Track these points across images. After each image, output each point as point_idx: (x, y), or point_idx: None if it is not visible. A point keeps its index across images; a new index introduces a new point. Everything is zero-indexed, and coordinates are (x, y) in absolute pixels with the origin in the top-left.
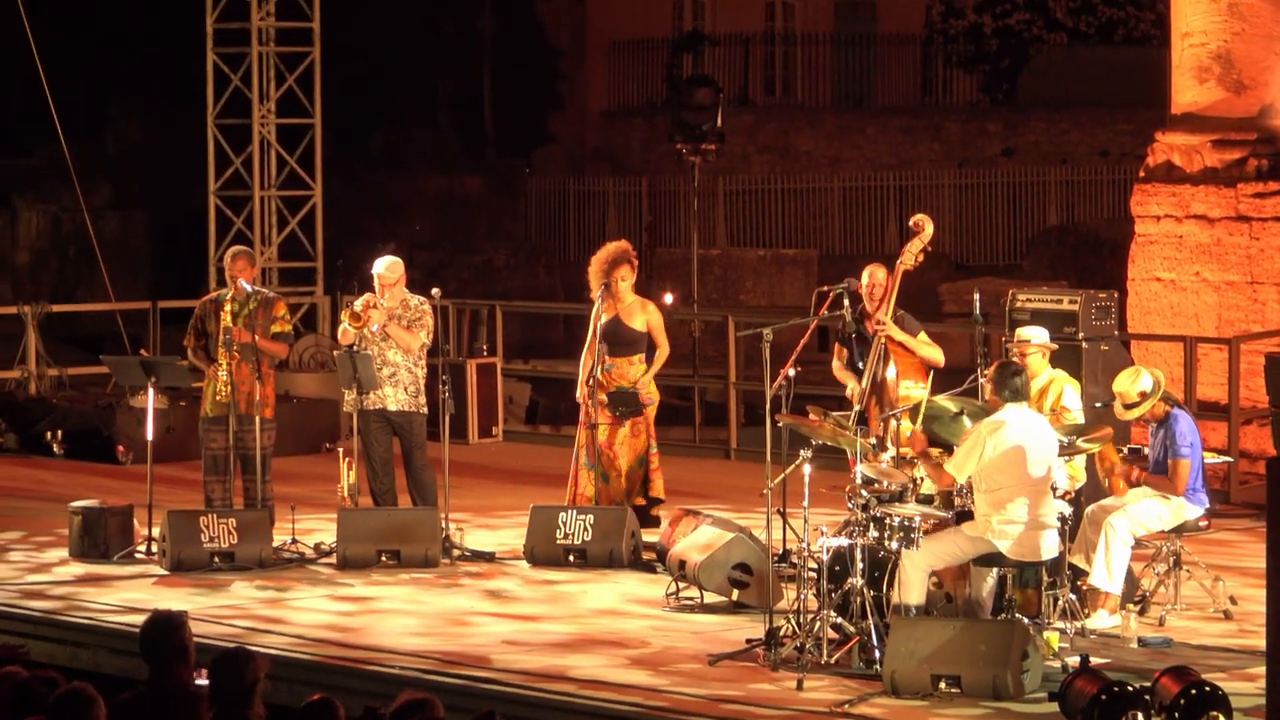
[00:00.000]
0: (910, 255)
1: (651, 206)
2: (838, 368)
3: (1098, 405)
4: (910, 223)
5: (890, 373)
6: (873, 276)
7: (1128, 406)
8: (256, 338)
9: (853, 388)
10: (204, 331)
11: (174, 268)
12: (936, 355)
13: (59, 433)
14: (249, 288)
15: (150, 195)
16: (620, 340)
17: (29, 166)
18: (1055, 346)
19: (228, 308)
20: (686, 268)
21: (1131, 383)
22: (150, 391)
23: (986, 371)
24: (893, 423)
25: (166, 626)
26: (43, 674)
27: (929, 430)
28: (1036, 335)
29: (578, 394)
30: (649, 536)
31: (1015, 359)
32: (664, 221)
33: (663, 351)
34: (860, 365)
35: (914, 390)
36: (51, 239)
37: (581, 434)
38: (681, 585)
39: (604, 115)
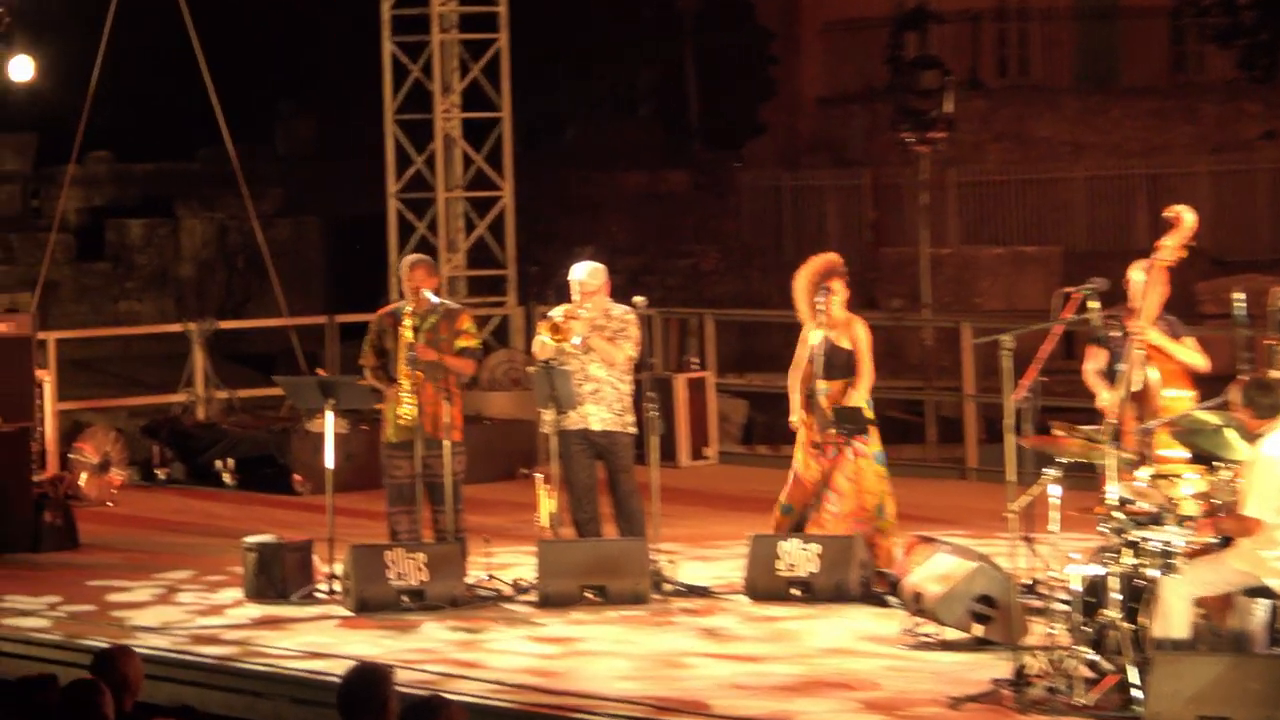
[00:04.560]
0: (1169, 251)
1: (875, 202)
2: (1090, 372)
3: None
4: (1167, 215)
5: (1152, 377)
6: (1132, 277)
7: None
8: (442, 355)
9: (1106, 397)
10: (382, 349)
11: (352, 278)
12: (1199, 361)
13: (230, 461)
14: (434, 299)
15: (324, 199)
16: (836, 363)
17: (192, 171)
18: None
19: (408, 322)
20: (915, 269)
21: None
22: (329, 415)
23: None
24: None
25: (372, 680)
26: None
27: (1189, 444)
28: None
29: (792, 418)
30: (881, 566)
31: None
32: (889, 218)
33: (865, 377)
34: (1119, 369)
35: (1179, 399)
36: (218, 249)
37: (804, 463)
38: (918, 620)
39: (820, 102)
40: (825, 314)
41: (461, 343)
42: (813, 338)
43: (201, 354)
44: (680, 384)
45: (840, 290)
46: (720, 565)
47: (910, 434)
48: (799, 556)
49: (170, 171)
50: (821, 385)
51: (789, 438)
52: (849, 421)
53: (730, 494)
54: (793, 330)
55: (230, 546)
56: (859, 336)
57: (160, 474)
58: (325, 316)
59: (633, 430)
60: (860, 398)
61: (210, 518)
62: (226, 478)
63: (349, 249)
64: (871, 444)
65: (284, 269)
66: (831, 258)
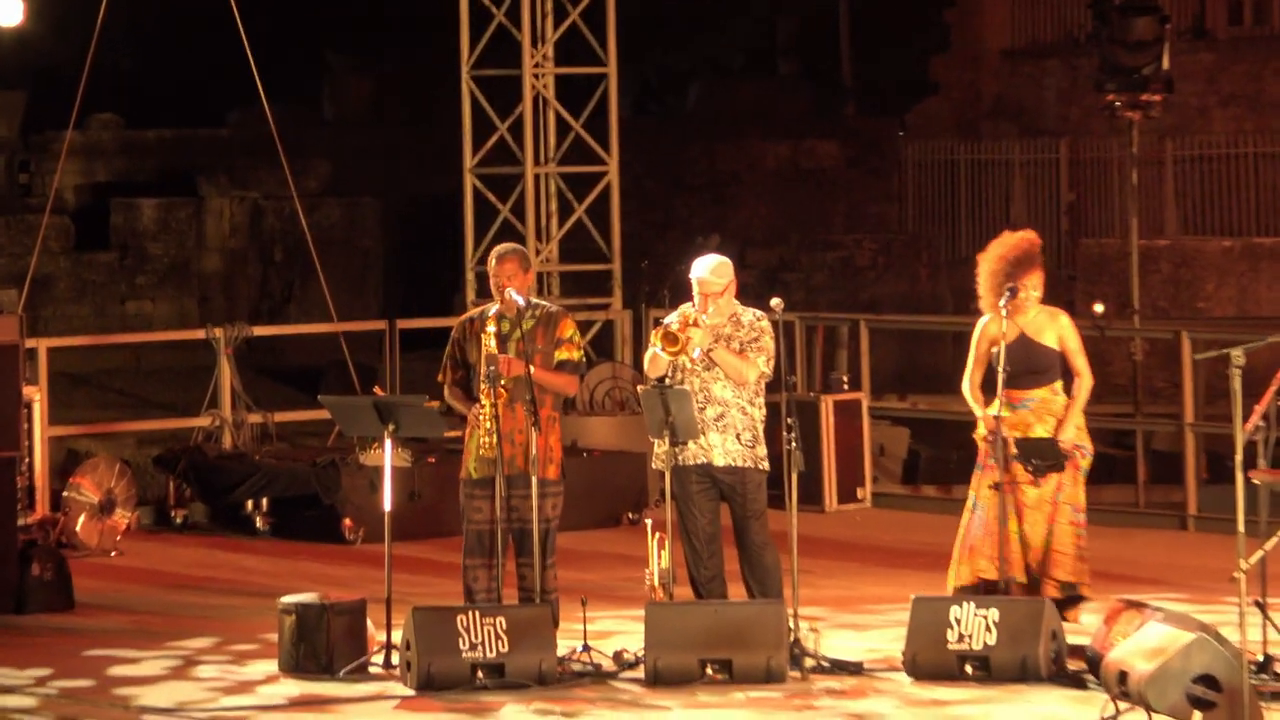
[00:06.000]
0: None
1: (1073, 180)
2: None
3: None
4: None
5: None
6: None
7: None
8: (533, 368)
9: None
10: (464, 362)
11: (418, 274)
12: None
13: (264, 502)
14: (521, 300)
15: (384, 175)
16: (1034, 366)
17: (220, 139)
18: None
19: (491, 328)
20: (1122, 264)
21: None
22: (388, 444)
23: None
24: None
25: None
26: None
27: None
28: None
29: (977, 433)
30: (1076, 638)
31: None
32: (1091, 201)
33: (1085, 379)
34: None
35: None
36: (251, 237)
37: (977, 492)
38: (1122, 705)
39: (1006, 56)
40: (1009, 319)
41: (562, 354)
42: (997, 332)
43: (230, 368)
44: (827, 408)
45: (1039, 282)
46: (875, 635)
47: (1115, 472)
48: (974, 624)
49: (192, 139)
50: (1018, 397)
51: (961, 475)
52: (1039, 456)
53: (888, 546)
54: (968, 341)
55: (263, 608)
56: (1068, 334)
57: (177, 517)
58: (384, 322)
59: (766, 466)
60: (1079, 414)
61: (238, 572)
62: (259, 522)
63: (414, 236)
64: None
65: (333, 262)
66: (1030, 240)
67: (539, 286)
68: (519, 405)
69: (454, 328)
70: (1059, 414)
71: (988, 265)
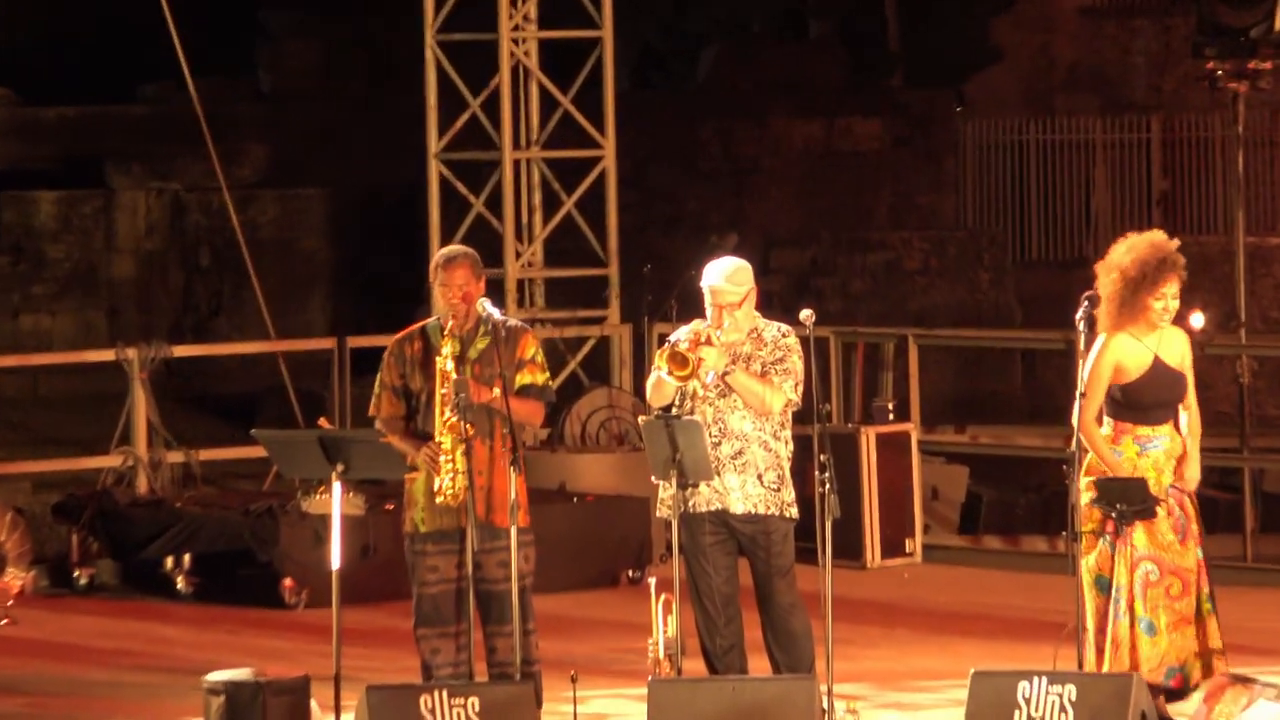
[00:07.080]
0: None
1: (1166, 166)
2: None
3: None
4: None
5: None
6: None
7: None
8: (499, 392)
9: None
10: (406, 390)
11: (373, 281)
12: None
13: (186, 559)
14: (497, 313)
15: (331, 161)
16: (1168, 398)
17: (133, 118)
18: None
19: (446, 348)
20: (1226, 266)
21: None
22: (336, 489)
23: None
24: None
25: None
26: None
27: None
28: None
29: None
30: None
31: None
32: (1186, 190)
33: (1194, 412)
34: None
35: None
36: (170, 237)
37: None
38: None
39: (1084, 15)
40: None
41: (525, 378)
42: (1127, 356)
43: (145, 395)
44: (869, 442)
45: (1176, 295)
46: (927, 717)
47: (1218, 519)
48: (1047, 704)
49: (100, 118)
50: (1148, 436)
51: (1030, 522)
52: (1126, 500)
53: (942, 608)
54: (1041, 360)
55: (186, 687)
56: (1189, 353)
57: (81, 577)
58: (332, 340)
59: (794, 513)
60: (1197, 449)
61: (156, 643)
62: (181, 583)
63: (368, 236)
64: None
65: (270, 267)
66: (1161, 245)
67: (520, 295)
68: (478, 442)
69: (388, 349)
70: (1177, 456)
71: (1110, 278)
